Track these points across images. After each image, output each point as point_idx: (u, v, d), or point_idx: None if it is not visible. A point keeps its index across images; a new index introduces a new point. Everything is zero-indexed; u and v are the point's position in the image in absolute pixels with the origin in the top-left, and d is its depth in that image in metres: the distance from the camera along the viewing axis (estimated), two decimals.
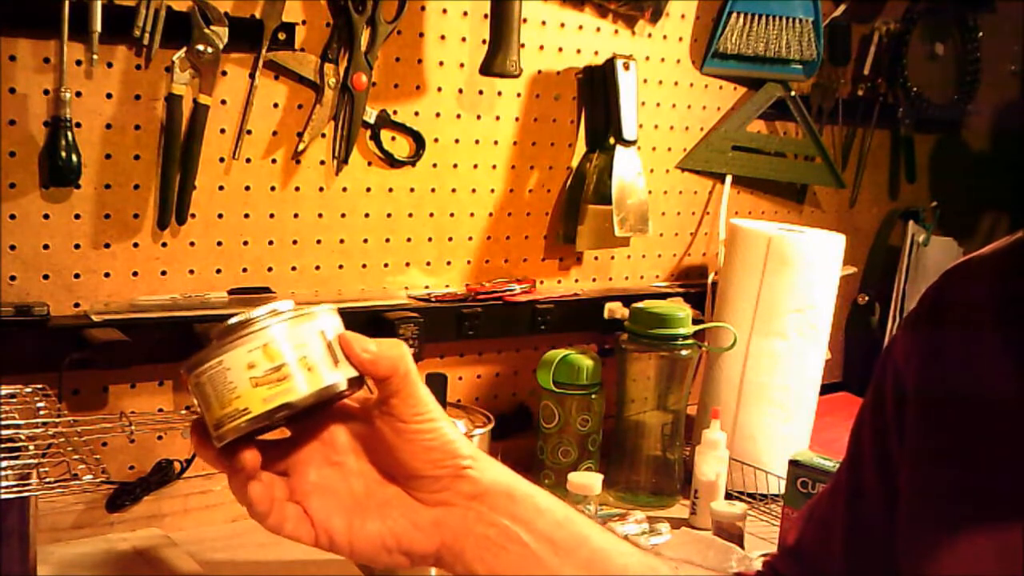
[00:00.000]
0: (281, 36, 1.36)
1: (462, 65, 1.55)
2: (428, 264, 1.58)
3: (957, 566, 0.68)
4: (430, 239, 1.57)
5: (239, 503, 0.69)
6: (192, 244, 1.38)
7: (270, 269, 1.44)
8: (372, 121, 1.47)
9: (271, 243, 1.44)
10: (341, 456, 0.71)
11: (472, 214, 1.61)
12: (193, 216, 1.36)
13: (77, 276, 1.30)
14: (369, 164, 1.50)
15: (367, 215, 1.51)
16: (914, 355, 0.75)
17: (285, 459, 0.71)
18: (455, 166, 1.58)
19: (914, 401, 0.74)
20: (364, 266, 1.52)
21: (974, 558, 0.67)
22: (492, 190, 1.63)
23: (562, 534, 0.71)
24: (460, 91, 1.56)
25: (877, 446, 0.77)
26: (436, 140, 1.55)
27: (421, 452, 0.69)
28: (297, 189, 1.44)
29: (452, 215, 1.59)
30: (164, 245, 1.36)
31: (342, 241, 1.49)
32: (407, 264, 1.56)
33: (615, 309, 1.70)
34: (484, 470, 0.71)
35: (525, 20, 1.55)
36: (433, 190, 1.56)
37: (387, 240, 1.53)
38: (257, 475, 0.68)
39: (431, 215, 1.57)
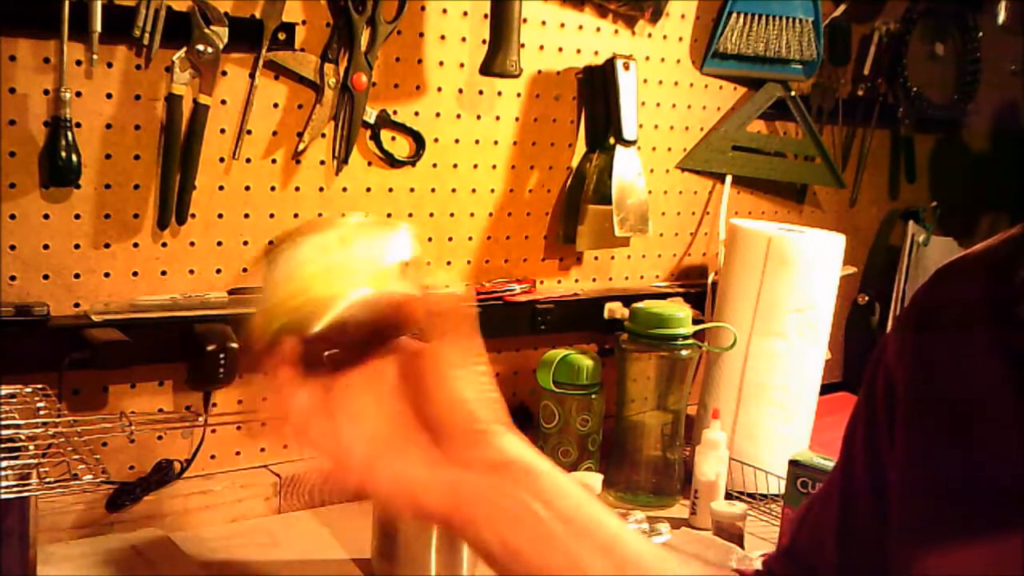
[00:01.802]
0: (281, 36, 1.37)
1: (462, 65, 1.55)
2: (428, 264, 1.58)
3: (949, 567, 0.67)
4: (430, 239, 1.57)
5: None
6: (192, 244, 1.38)
7: None
8: (372, 121, 1.47)
9: (271, 243, 1.43)
10: (383, 391, 0.71)
11: (472, 214, 1.61)
12: (193, 216, 1.36)
13: (77, 276, 1.30)
14: (369, 164, 1.50)
15: (367, 215, 1.51)
16: (905, 356, 0.75)
17: (332, 377, 0.71)
18: (455, 166, 1.58)
19: (905, 402, 0.74)
20: None
21: (967, 559, 0.67)
22: (492, 190, 1.63)
23: (580, 516, 0.69)
24: (460, 91, 1.56)
25: (868, 448, 0.77)
26: (436, 140, 1.55)
27: (458, 404, 0.70)
28: (297, 189, 1.44)
29: (452, 215, 1.59)
30: (164, 245, 1.36)
31: None
32: None
33: (615, 309, 1.70)
34: (512, 441, 0.70)
35: (525, 20, 1.55)
36: (433, 190, 1.56)
37: None
38: (296, 367, 0.69)
39: (431, 215, 1.57)
